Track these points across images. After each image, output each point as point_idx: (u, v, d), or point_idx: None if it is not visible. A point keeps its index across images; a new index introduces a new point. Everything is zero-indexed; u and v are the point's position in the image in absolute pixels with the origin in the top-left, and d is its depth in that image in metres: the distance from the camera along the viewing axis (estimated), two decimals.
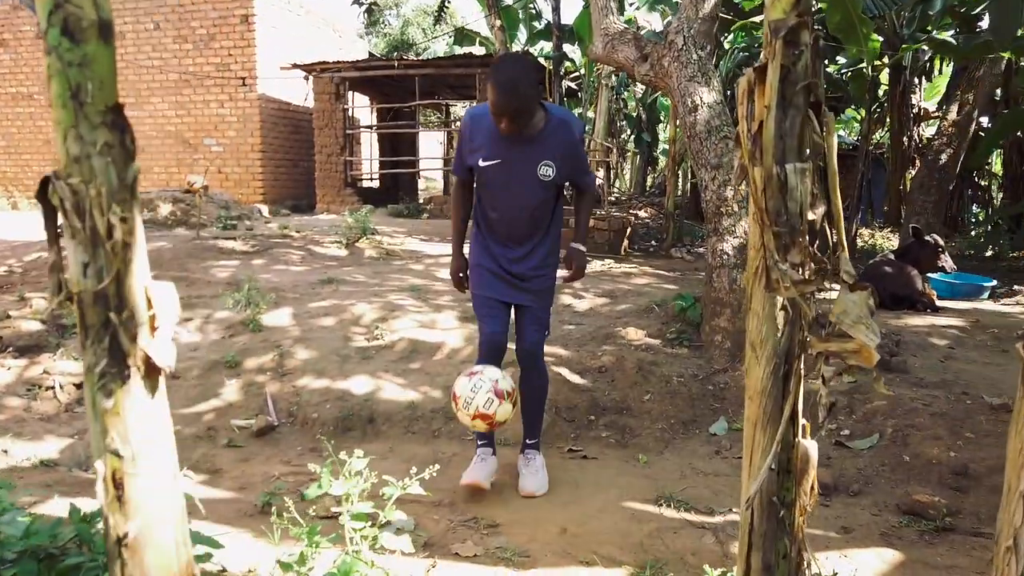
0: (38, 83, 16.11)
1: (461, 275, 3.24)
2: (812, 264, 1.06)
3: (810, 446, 1.14)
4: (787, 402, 1.10)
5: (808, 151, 1.06)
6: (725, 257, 4.56)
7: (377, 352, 4.55)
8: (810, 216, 1.07)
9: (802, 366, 1.10)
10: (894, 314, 5.80)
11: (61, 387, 4.27)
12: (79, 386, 4.32)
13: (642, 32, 9.56)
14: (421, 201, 15.11)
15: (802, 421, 1.16)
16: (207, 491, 3.21)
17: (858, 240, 9.75)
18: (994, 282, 6.96)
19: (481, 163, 3.00)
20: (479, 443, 3.27)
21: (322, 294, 5.69)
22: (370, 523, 2.07)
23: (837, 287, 1.08)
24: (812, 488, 1.12)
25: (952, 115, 8.94)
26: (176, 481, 1.15)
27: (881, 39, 9.02)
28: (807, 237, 1.06)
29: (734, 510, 3.05)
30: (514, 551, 2.69)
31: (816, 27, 1.15)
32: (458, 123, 16.70)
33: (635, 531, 2.86)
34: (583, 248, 3.24)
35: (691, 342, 4.70)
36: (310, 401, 4.04)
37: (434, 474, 2.24)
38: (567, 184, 3.32)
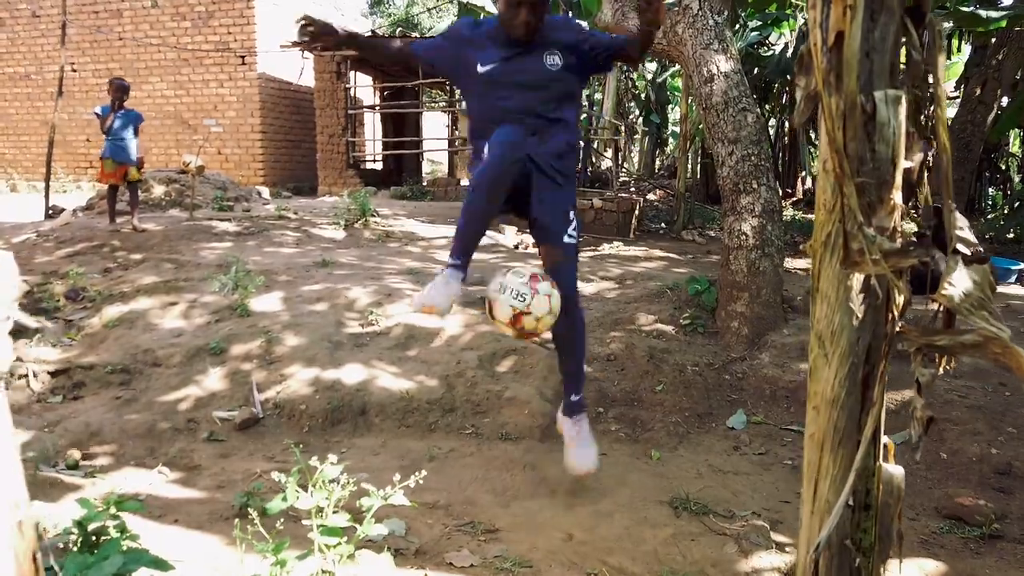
0: (35, 63, 15.81)
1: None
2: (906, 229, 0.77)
3: (896, 473, 0.85)
4: (868, 415, 0.81)
5: (904, 74, 0.77)
6: (743, 238, 4.26)
7: (371, 339, 4.28)
8: (905, 163, 0.78)
9: (887, 367, 0.82)
10: (916, 298, 5.49)
11: (35, 375, 4.01)
12: (54, 374, 4.07)
13: None
14: (425, 183, 14.80)
15: (883, 439, 0.87)
16: (181, 490, 2.95)
17: None
18: (1022, 265, 6.63)
19: (480, 68, 2.75)
20: (450, 262, 2.64)
21: (315, 277, 5.41)
22: (345, 539, 1.80)
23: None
24: (899, 531, 0.83)
25: (976, 93, 8.56)
26: (17, 511, 0.87)
27: None
28: (900, 192, 0.77)
29: (757, 514, 2.78)
30: (514, 561, 2.42)
31: None
32: (462, 104, 16.30)
33: (648, 538, 2.59)
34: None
35: (706, 328, 4.41)
36: (298, 391, 3.77)
37: (421, 481, 1.97)
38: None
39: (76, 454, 3.26)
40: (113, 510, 1.75)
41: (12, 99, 16.36)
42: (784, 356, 4.06)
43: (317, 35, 2.80)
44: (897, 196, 0.76)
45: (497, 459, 3.22)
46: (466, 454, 3.31)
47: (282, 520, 2.08)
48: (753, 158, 4.27)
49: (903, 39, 0.75)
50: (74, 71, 15.62)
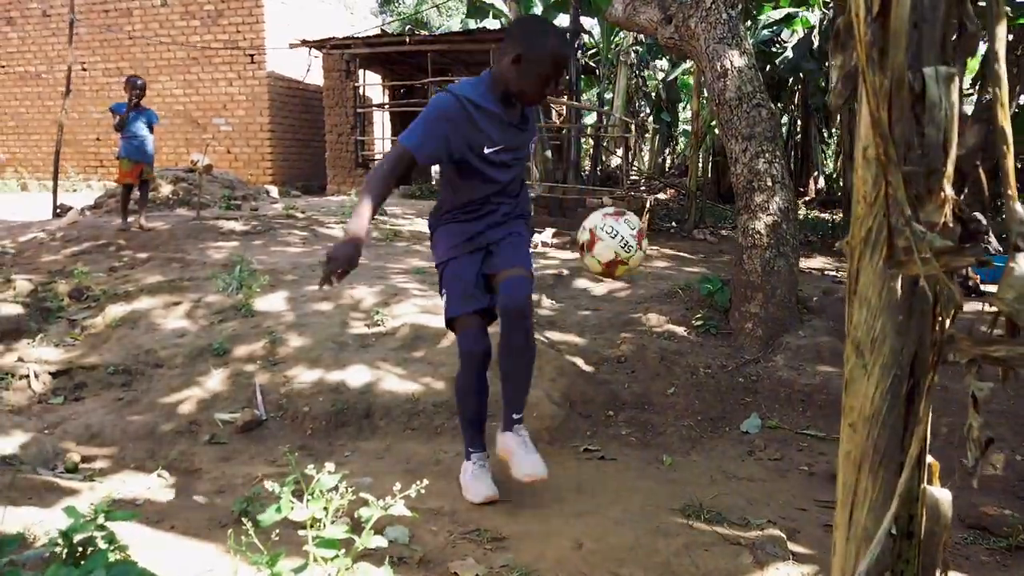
0: (46, 62, 15.85)
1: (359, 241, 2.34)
2: (958, 224, 0.68)
3: (943, 498, 0.76)
4: (912, 434, 0.72)
5: (958, 48, 0.68)
6: (757, 237, 4.16)
7: (377, 339, 4.20)
8: (956, 151, 0.68)
9: (934, 380, 0.72)
10: None
11: (36, 376, 3.95)
12: (56, 375, 4.01)
13: None
14: (434, 183, 14.73)
15: (928, 459, 0.78)
16: (180, 495, 2.88)
17: None
18: None
19: (487, 151, 2.59)
20: (470, 448, 2.86)
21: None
22: (343, 551, 1.71)
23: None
24: (945, 561, 0.74)
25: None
26: None
27: None
28: (952, 184, 0.68)
29: (773, 522, 2.68)
30: (522, 570, 2.33)
31: None
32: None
33: (661, 547, 2.50)
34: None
35: (719, 330, 4.31)
36: (302, 393, 3.70)
37: (423, 491, 1.88)
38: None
39: (75, 457, 3.20)
40: (101, 520, 1.67)
41: (23, 98, 16.40)
42: (800, 358, 3.96)
43: (349, 267, 2.34)
44: (948, 187, 0.67)
45: (504, 463, 3.13)
46: None
47: (279, 531, 2.00)
48: (767, 155, 4.17)
49: (959, 7, 0.66)
50: (84, 70, 15.64)
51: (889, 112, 0.65)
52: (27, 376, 3.94)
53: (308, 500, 1.64)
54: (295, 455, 3.39)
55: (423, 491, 1.83)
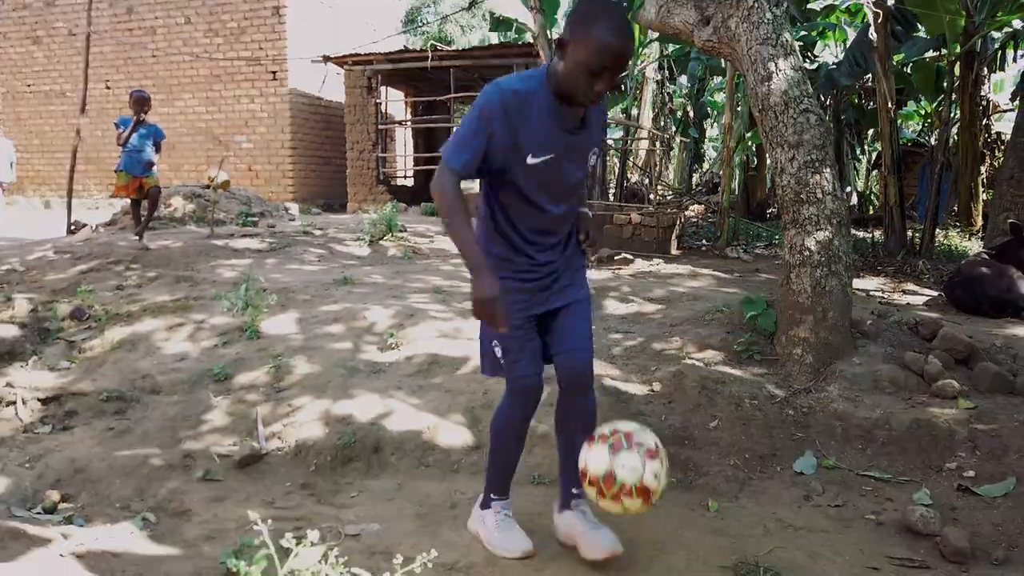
0: (71, 81, 15.88)
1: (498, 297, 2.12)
2: None
3: None
4: None
5: None
6: (807, 254, 3.78)
7: (390, 366, 3.87)
8: None
9: None
10: (996, 323, 4.94)
11: (24, 403, 3.68)
12: (46, 402, 3.73)
13: None
14: None
15: None
16: (164, 543, 2.55)
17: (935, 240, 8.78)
18: None
19: (531, 160, 2.20)
20: (494, 496, 2.52)
21: (335, 296, 5.04)
22: None
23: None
24: None
25: None
26: None
27: (964, 14, 8.08)
28: None
29: None
30: None
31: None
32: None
33: None
34: (589, 213, 2.57)
35: (764, 356, 3.92)
36: (306, 424, 3.38)
37: (430, 565, 1.54)
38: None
39: (55, 496, 2.90)
40: None
41: (48, 116, 16.46)
42: (856, 388, 3.57)
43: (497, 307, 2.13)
44: None
45: (529, 509, 2.77)
46: None
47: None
48: (817, 164, 3.81)
49: None
50: (108, 88, 15.65)
51: None
52: (14, 403, 3.66)
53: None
54: (305, 490, 3.09)
55: (430, 565, 1.49)
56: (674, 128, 18.74)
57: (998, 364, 3.75)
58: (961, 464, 3.08)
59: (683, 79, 17.84)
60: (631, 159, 15.35)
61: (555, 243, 2.39)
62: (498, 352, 2.37)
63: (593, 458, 2.19)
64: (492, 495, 2.51)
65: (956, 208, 11.75)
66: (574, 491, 2.46)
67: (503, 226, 2.34)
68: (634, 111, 16.69)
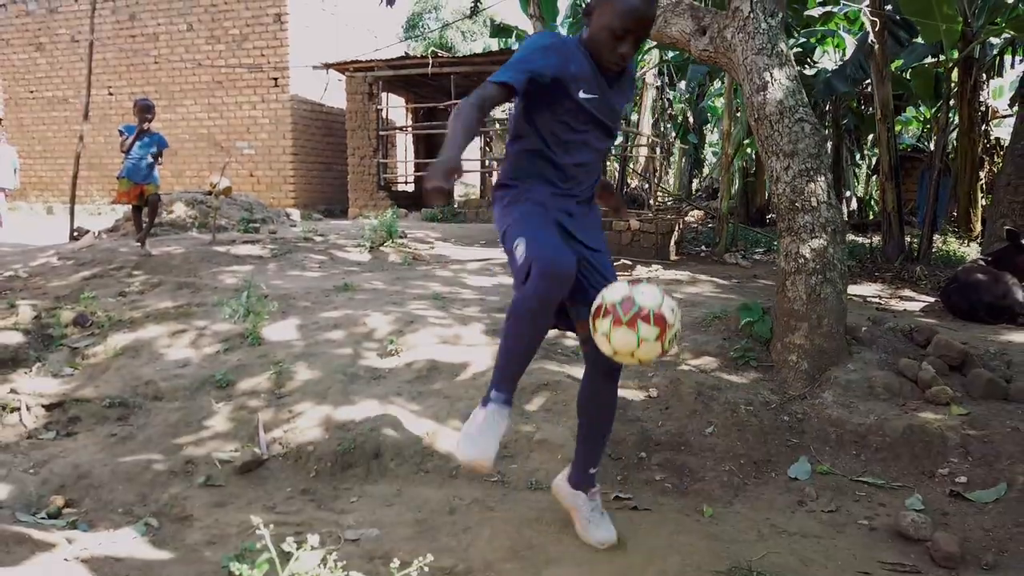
0: (73, 87, 15.97)
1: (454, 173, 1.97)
2: None
3: None
4: None
5: None
6: (802, 261, 3.83)
7: (389, 372, 3.92)
8: None
9: None
10: (992, 329, 4.98)
11: (28, 409, 3.72)
12: (49, 408, 3.77)
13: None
14: (457, 205, 14.53)
15: None
16: (166, 547, 2.60)
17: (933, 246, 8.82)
18: None
19: (582, 95, 2.29)
20: (494, 392, 2.27)
21: (335, 303, 5.09)
22: None
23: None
24: None
25: None
26: None
27: (961, 20, 8.12)
28: None
29: None
30: None
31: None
32: (503, 122, 16.04)
33: None
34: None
35: (759, 362, 3.97)
36: (307, 429, 3.42)
37: (427, 569, 1.59)
38: None
39: (59, 501, 2.94)
40: None
41: (51, 123, 16.54)
42: (850, 395, 3.61)
43: (449, 189, 2.07)
44: None
45: (526, 515, 2.81)
46: (491, 506, 2.91)
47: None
48: (812, 172, 3.85)
49: None
50: (110, 94, 15.74)
51: None
52: (19, 409, 3.70)
53: None
54: (306, 495, 3.13)
55: (427, 569, 1.53)
56: (674, 134, 18.79)
57: (992, 370, 3.78)
58: (953, 470, 3.12)
59: (683, 84, 17.89)
60: (631, 165, 15.39)
61: (578, 197, 2.44)
62: (520, 249, 2.17)
63: (611, 290, 2.16)
64: (493, 391, 2.29)
65: (955, 214, 11.79)
66: (591, 471, 2.55)
67: (540, 157, 2.36)
68: (634, 117, 16.74)
